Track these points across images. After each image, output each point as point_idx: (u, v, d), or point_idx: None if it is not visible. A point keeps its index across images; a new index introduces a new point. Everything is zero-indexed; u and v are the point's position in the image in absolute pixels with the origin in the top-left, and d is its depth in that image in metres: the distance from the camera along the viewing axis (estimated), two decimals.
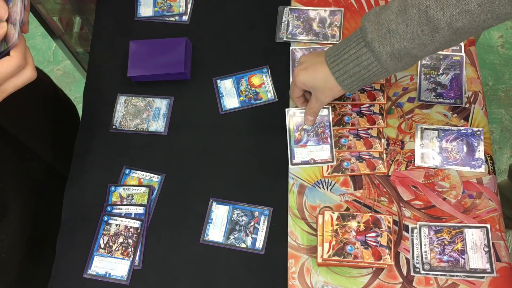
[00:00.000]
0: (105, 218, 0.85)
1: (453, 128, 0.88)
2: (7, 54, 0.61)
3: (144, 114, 0.94)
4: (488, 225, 0.80)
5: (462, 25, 0.63)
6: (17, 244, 0.90)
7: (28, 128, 0.93)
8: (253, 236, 0.83)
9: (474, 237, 0.80)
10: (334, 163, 0.86)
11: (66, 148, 0.96)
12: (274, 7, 1.01)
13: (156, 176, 0.89)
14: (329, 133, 0.88)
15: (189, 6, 1.03)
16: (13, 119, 0.87)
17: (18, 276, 0.90)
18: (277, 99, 0.93)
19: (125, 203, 0.86)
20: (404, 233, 0.81)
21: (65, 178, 0.91)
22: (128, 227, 0.84)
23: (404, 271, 0.79)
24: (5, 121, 0.85)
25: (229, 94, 0.94)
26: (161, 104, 0.94)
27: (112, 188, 0.88)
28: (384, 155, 0.87)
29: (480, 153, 0.86)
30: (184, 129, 0.92)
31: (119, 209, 0.86)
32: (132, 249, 0.83)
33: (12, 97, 0.65)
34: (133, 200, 0.86)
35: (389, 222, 0.79)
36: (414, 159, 0.86)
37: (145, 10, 1.03)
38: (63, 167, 0.97)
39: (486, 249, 0.79)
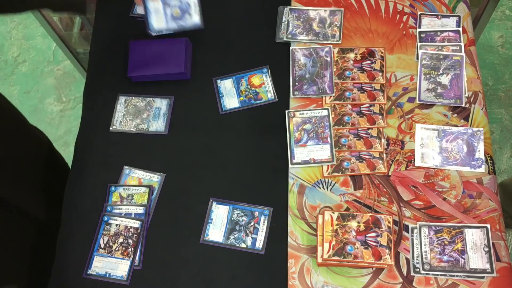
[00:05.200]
0: (105, 218, 0.85)
1: (453, 128, 0.88)
2: None
3: (144, 114, 0.94)
4: (488, 225, 0.80)
5: None
6: (17, 244, 0.90)
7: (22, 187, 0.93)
8: (253, 236, 0.83)
9: (474, 237, 0.80)
10: (334, 162, 0.86)
11: (56, 203, 0.94)
12: (274, 7, 1.01)
13: (156, 176, 0.88)
14: (329, 133, 0.88)
15: None
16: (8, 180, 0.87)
17: (17, 276, 0.90)
18: (277, 99, 0.93)
19: (125, 203, 0.86)
20: (404, 233, 0.81)
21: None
22: (128, 227, 0.84)
23: (404, 271, 0.79)
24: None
25: (229, 94, 0.94)
26: (161, 104, 0.94)
27: (112, 188, 0.88)
28: (384, 155, 0.87)
29: (480, 153, 0.86)
30: (184, 129, 0.92)
31: (119, 209, 0.86)
32: (132, 249, 0.83)
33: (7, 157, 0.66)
34: (133, 200, 0.86)
35: (389, 222, 0.79)
36: (414, 159, 0.86)
37: (141, 8, 1.03)
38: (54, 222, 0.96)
39: (486, 249, 0.79)
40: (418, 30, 0.96)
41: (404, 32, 0.97)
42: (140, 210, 0.86)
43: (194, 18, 0.88)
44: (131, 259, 0.82)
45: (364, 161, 0.86)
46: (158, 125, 0.92)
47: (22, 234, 0.91)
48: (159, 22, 0.92)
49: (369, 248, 0.78)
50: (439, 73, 0.92)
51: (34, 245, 0.93)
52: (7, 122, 0.92)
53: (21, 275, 0.90)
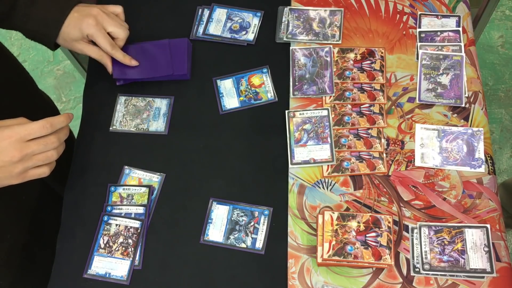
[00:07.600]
0: (105, 218, 0.85)
1: (453, 128, 0.88)
2: None
3: (144, 114, 0.94)
4: (488, 225, 0.80)
5: None
6: (16, 244, 0.90)
7: None
8: (253, 236, 0.83)
9: (474, 237, 0.80)
10: (334, 162, 0.86)
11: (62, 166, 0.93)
12: (274, 7, 1.01)
13: (156, 176, 0.88)
14: (329, 133, 0.88)
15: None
16: None
17: (16, 276, 0.90)
18: (277, 99, 0.93)
19: (125, 203, 0.86)
20: (404, 233, 0.81)
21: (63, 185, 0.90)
22: (128, 227, 0.84)
23: (404, 271, 0.79)
24: None
25: (229, 94, 0.94)
26: (161, 104, 0.94)
27: (112, 188, 0.88)
28: (384, 155, 0.87)
29: (480, 153, 0.86)
30: (184, 129, 0.92)
31: (119, 209, 0.86)
32: (132, 249, 0.83)
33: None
34: (133, 200, 0.86)
35: (389, 222, 0.79)
36: (414, 159, 0.86)
37: None
38: (59, 186, 0.96)
39: (486, 249, 0.79)
40: (418, 30, 0.96)
41: (404, 32, 0.97)
42: (140, 210, 0.86)
43: (249, 36, 0.97)
44: (131, 259, 0.82)
45: (364, 161, 0.86)
46: (158, 125, 0.92)
47: (25, 192, 0.91)
48: (216, 30, 0.99)
49: (369, 248, 0.78)
50: (439, 73, 0.92)
51: (34, 208, 0.95)
52: (15, 75, 0.93)
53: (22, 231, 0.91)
